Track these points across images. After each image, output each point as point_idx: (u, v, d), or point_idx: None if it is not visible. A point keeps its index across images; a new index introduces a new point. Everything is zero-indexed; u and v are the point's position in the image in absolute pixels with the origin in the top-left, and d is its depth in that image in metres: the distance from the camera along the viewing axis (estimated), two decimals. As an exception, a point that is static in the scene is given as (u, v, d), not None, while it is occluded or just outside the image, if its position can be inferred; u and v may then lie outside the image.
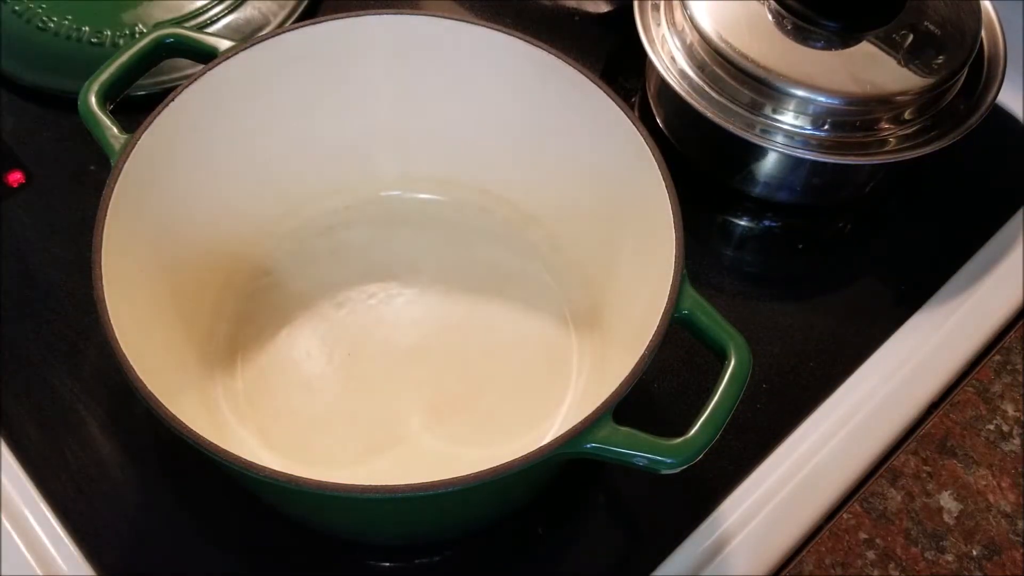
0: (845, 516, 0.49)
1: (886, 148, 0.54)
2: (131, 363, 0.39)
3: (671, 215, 0.43)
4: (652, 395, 0.52)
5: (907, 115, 0.54)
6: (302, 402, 0.50)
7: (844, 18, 0.55)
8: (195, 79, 0.48)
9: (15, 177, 0.58)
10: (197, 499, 0.49)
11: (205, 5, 0.65)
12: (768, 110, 0.54)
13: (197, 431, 0.38)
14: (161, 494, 0.49)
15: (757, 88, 0.54)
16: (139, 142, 0.45)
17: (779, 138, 0.54)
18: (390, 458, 0.49)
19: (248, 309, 0.53)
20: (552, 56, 0.49)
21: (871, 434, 0.52)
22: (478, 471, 0.37)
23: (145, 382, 0.39)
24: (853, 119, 0.54)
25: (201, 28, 0.63)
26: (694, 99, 0.55)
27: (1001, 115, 0.63)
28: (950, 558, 0.47)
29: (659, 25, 0.58)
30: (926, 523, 0.48)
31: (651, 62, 0.56)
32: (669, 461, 0.38)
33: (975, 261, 0.58)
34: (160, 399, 0.38)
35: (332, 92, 0.53)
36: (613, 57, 0.65)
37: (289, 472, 0.38)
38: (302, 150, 0.54)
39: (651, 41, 0.57)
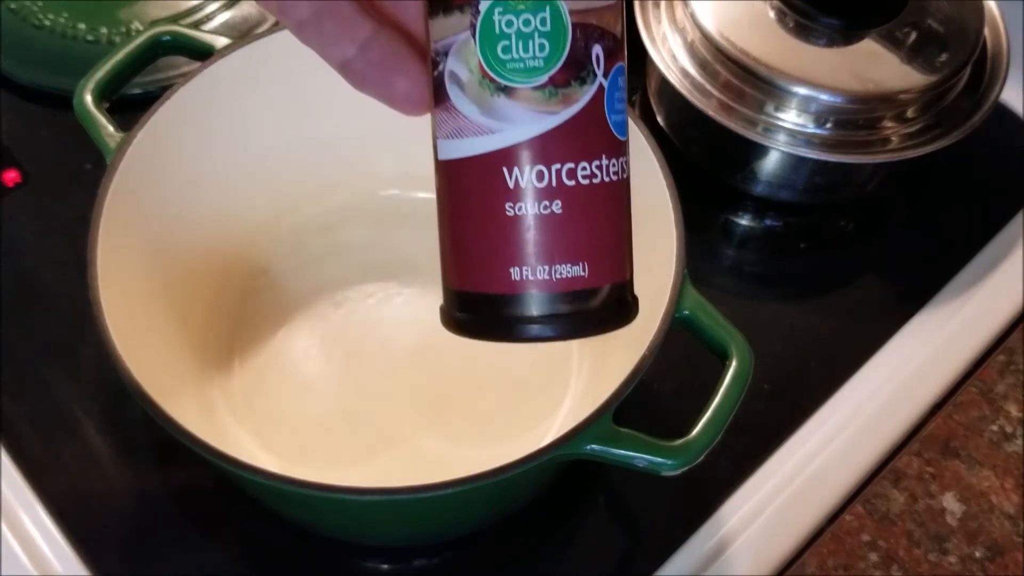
0: (847, 518, 0.48)
1: (889, 147, 0.54)
2: (127, 364, 0.39)
3: (672, 214, 0.43)
4: (653, 396, 0.52)
5: (910, 113, 0.54)
6: (300, 403, 0.50)
7: (847, 15, 0.54)
8: (191, 77, 0.48)
9: (11, 176, 0.57)
10: (194, 501, 0.48)
11: (201, 3, 0.64)
12: (770, 108, 0.54)
13: (194, 432, 0.38)
14: (158, 496, 0.48)
15: (759, 86, 0.53)
16: (135, 140, 0.45)
17: (781, 137, 0.54)
18: (389, 459, 0.48)
19: (245, 309, 0.53)
20: (552, 54, 0.49)
21: (874, 435, 0.51)
22: (477, 472, 0.37)
23: (141, 383, 0.38)
24: (856, 117, 0.53)
25: (197, 25, 0.63)
26: (695, 97, 0.54)
27: (1004, 113, 0.63)
28: (953, 560, 0.47)
29: (660, 23, 0.57)
30: (929, 525, 0.48)
31: (652, 60, 0.56)
32: (670, 463, 0.38)
33: (979, 260, 0.57)
34: (156, 400, 0.38)
35: (329, 90, 0.52)
36: (613, 55, 0.65)
37: (287, 473, 0.37)
38: (299, 148, 0.54)
39: (652, 39, 0.57)
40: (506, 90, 0.26)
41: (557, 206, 0.27)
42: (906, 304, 0.56)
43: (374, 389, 0.50)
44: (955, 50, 0.54)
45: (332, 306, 0.53)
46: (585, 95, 0.27)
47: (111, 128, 0.46)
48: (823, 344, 0.54)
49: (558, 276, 0.27)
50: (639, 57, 0.61)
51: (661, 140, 0.46)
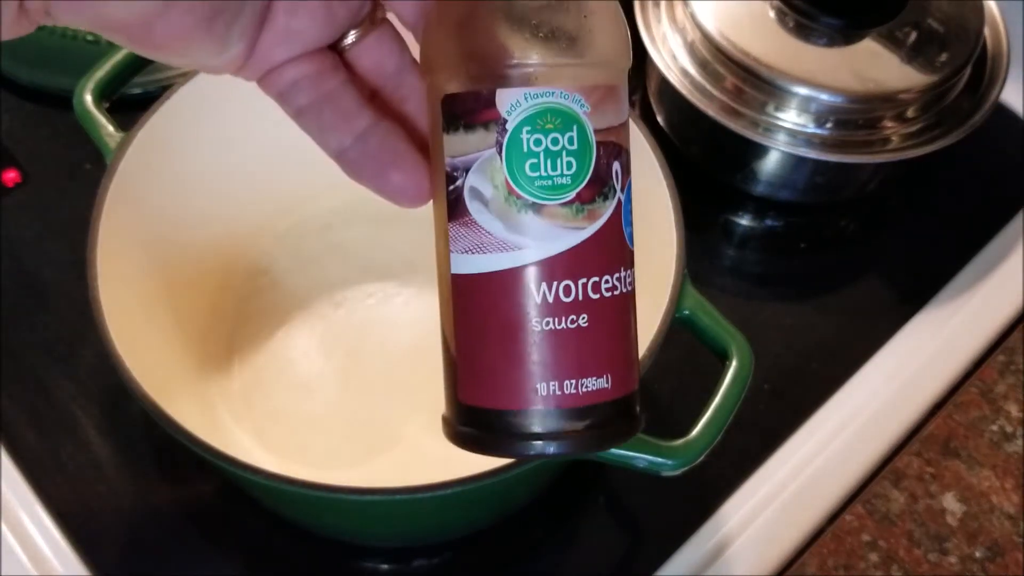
0: (848, 518, 0.48)
1: (889, 146, 0.54)
2: (126, 364, 0.39)
3: (672, 214, 0.43)
4: (653, 396, 0.52)
5: (910, 113, 0.54)
6: (299, 402, 0.50)
7: (847, 15, 0.54)
8: (191, 77, 0.47)
9: (10, 176, 0.57)
10: (193, 501, 0.48)
11: (202, 2, 0.64)
12: (770, 108, 0.54)
13: (193, 432, 0.38)
14: (157, 495, 0.48)
15: (759, 86, 0.53)
16: (134, 140, 0.45)
17: (781, 136, 0.54)
18: (388, 459, 0.48)
19: (245, 309, 0.52)
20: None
21: (874, 435, 0.51)
22: (477, 472, 0.37)
23: (140, 383, 0.38)
24: (856, 117, 0.53)
25: (198, 26, 0.63)
26: (696, 98, 0.54)
27: (1004, 113, 0.63)
28: (953, 560, 0.47)
29: (660, 23, 0.57)
30: (929, 525, 0.48)
31: (652, 60, 0.56)
32: (670, 463, 0.38)
33: (979, 260, 0.57)
34: (156, 400, 0.38)
35: (330, 90, 0.53)
36: (613, 55, 0.65)
37: (287, 474, 0.37)
38: (299, 147, 0.53)
39: (652, 39, 0.57)
40: (533, 207, 0.26)
41: (584, 320, 0.27)
42: (907, 304, 0.56)
43: (374, 389, 0.50)
44: (955, 50, 0.54)
45: (332, 306, 0.53)
46: (607, 210, 0.27)
47: (111, 128, 0.46)
48: (823, 344, 0.54)
49: (584, 389, 0.27)
50: (639, 57, 0.61)
51: (661, 140, 0.46)
